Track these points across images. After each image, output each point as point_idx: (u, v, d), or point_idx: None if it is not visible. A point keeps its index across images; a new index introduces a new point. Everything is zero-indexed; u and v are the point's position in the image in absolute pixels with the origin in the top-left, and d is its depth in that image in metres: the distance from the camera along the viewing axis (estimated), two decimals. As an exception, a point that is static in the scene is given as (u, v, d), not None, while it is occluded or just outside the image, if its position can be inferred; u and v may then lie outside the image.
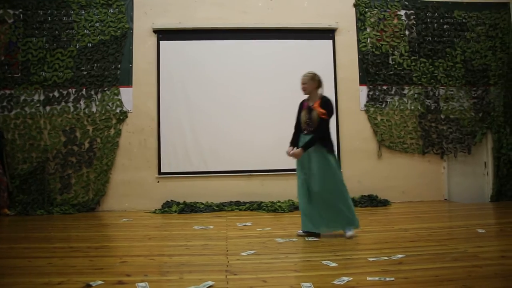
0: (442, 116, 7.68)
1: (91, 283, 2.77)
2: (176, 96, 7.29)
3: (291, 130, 7.20)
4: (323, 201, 4.30)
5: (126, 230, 5.28)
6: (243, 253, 3.62)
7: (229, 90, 7.35)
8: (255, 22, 7.46)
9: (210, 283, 2.72)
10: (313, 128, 4.38)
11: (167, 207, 6.81)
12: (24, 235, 4.94)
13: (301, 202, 4.46)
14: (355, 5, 7.68)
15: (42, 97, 7.17)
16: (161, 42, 7.38)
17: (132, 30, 7.37)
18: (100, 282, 2.80)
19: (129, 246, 4.22)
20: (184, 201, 7.00)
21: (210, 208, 6.80)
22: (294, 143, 4.57)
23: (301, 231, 4.46)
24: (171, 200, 7.03)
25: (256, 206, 6.81)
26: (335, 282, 2.72)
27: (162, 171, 7.20)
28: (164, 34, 7.40)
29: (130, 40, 7.35)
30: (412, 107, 7.62)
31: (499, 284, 2.64)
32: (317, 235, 4.39)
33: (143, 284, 2.73)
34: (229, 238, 4.39)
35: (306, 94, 4.56)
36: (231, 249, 3.85)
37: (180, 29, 7.39)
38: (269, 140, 7.23)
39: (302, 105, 4.62)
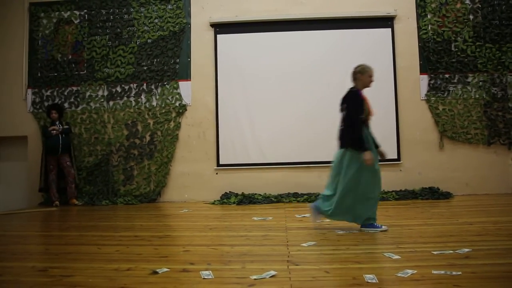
0: (510, 105, 7.28)
1: (157, 270, 2.88)
2: (234, 89, 7.38)
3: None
4: None
5: (187, 220, 5.42)
6: (303, 244, 3.62)
7: (286, 81, 7.34)
8: (312, 12, 7.40)
9: (272, 272, 2.74)
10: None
11: (226, 198, 6.93)
12: (92, 224, 5.21)
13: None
14: (415, -9, 7.42)
15: (105, 93, 7.49)
16: (218, 35, 7.48)
17: (190, 25, 7.53)
18: (166, 269, 2.90)
19: (191, 235, 4.33)
20: (243, 192, 7.09)
21: (268, 199, 6.85)
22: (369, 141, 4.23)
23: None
24: (230, 192, 7.15)
25: (314, 198, 6.78)
26: (399, 275, 2.67)
27: (220, 163, 7.33)
28: (221, 27, 7.50)
29: (188, 34, 7.52)
30: (477, 96, 7.27)
31: None
32: None
33: (207, 272, 2.80)
34: (288, 229, 4.40)
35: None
36: (291, 240, 3.86)
37: (236, 22, 7.46)
38: (326, 131, 7.15)
39: (361, 96, 4.31)
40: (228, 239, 4.12)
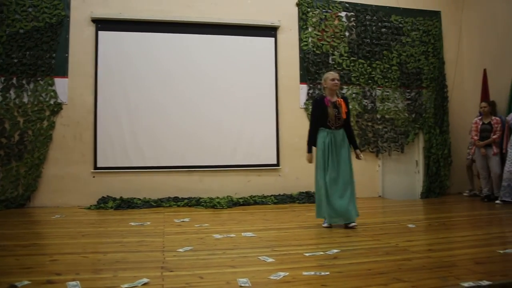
0: (378, 116, 7.97)
1: (16, 283, 2.62)
2: (115, 88, 7.07)
3: (232, 126, 7.30)
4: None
5: (58, 227, 5.04)
6: (179, 250, 3.58)
7: (169, 84, 7.23)
8: (198, 16, 7.38)
9: (145, 280, 2.65)
10: (341, 123, 4.70)
11: (103, 203, 6.60)
12: None
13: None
14: (297, 4, 7.79)
15: (-34, 85, 6.70)
16: (99, 32, 7.12)
17: (69, 18, 7.06)
18: (26, 282, 2.65)
19: (61, 243, 4.03)
20: (121, 196, 6.81)
21: (147, 204, 6.67)
22: (314, 142, 4.79)
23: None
24: (107, 196, 6.82)
25: (194, 202, 6.76)
26: (271, 277, 2.74)
27: (98, 165, 6.96)
28: (103, 24, 7.14)
29: (66, 28, 7.03)
30: (350, 107, 7.80)
31: (426, 275, 2.77)
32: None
33: (74, 283, 2.62)
34: (166, 235, 4.32)
35: (335, 90, 4.71)
36: (167, 245, 3.79)
37: (120, 19, 7.16)
38: (208, 135, 7.23)
39: (323, 101, 4.69)
40: (101, 246, 3.92)
